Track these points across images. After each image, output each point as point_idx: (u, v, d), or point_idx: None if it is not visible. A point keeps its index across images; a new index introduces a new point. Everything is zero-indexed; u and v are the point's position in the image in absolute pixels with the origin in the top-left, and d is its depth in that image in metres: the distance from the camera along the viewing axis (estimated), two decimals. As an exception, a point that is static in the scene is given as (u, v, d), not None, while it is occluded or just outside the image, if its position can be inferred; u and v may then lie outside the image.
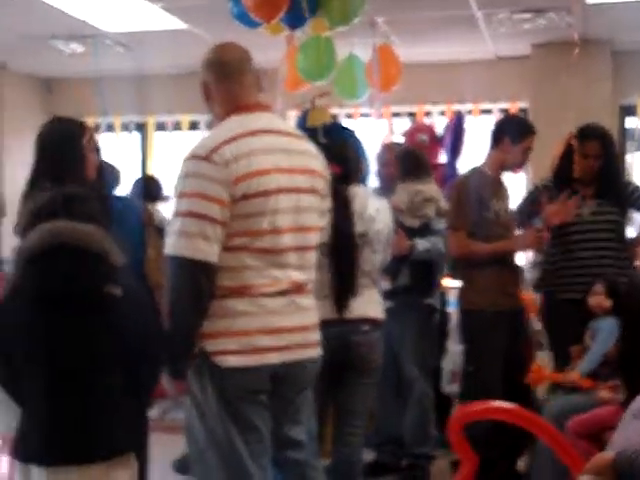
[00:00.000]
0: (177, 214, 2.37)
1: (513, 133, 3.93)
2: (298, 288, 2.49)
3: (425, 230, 4.31)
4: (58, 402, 2.31)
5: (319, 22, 4.77)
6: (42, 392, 2.32)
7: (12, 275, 2.44)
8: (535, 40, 6.23)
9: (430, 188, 4.47)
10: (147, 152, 7.66)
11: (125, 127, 7.59)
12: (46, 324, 2.32)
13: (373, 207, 3.29)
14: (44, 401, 2.32)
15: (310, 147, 2.59)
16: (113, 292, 2.32)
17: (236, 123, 2.47)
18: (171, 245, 2.37)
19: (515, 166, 4.01)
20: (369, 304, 3.25)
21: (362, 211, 3.25)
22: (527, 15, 5.51)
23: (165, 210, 5.42)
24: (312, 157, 2.57)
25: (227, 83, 2.53)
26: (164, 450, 4.16)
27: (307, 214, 2.50)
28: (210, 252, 2.34)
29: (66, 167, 2.94)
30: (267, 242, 2.41)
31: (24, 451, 2.36)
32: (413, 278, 4.26)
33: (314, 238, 2.54)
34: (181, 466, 4.62)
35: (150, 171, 7.41)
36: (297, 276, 2.48)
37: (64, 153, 2.97)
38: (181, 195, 2.38)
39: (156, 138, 7.67)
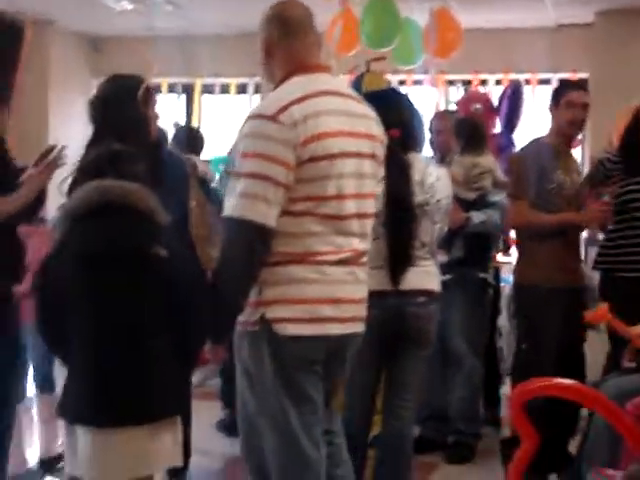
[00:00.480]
0: (239, 174, 2.29)
1: (555, 94, 3.90)
2: (358, 257, 2.43)
3: (481, 202, 4.22)
4: (104, 363, 2.29)
5: (376, -18, 4.63)
6: (88, 352, 2.31)
7: (58, 232, 2.40)
8: (598, 7, 5.99)
9: (487, 160, 4.40)
10: (192, 115, 7.56)
11: (171, 89, 7.50)
12: (92, 282, 2.31)
13: (433, 176, 3.17)
14: (90, 361, 2.30)
15: (369, 111, 2.52)
16: (159, 253, 2.28)
17: (301, 83, 2.39)
18: (231, 206, 2.29)
19: (566, 126, 3.83)
20: (426, 276, 3.16)
21: (422, 180, 3.14)
22: (593, -20, 5.29)
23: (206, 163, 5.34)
24: (372, 121, 2.50)
25: (291, 40, 2.44)
26: (204, 416, 4.15)
27: (368, 180, 2.44)
28: (270, 215, 2.27)
29: (129, 125, 2.89)
30: (332, 208, 2.34)
31: (70, 411, 2.35)
32: (467, 251, 4.18)
33: (372, 205, 2.48)
34: (224, 426, 4.62)
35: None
36: (358, 244, 2.42)
37: (126, 111, 2.92)
38: (244, 155, 2.29)
39: (203, 101, 7.57)
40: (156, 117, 3.10)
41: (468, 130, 4.46)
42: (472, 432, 4.29)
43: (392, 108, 3.15)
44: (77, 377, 2.34)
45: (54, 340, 2.44)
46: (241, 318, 2.36)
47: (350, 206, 2.38)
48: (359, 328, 2.47)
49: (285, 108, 2.28)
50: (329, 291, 2.35)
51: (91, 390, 2.29)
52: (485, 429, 4.48)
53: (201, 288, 2.39)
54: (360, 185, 2.41)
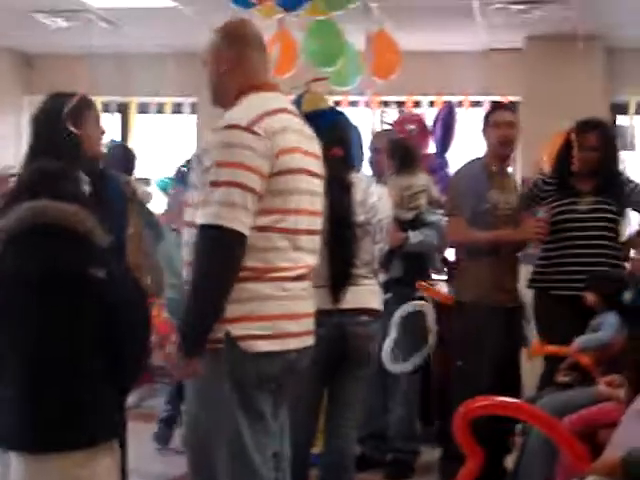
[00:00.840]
0: (216, 184, 2.26)
1: (486, 115, 4.05)
2: (310, 272, 2.46)
3: (418, 222, 4.27)
4: (38, 387, 2.23)
5: (314, 6, 4.67)
6: (22, 376, 2.25)
7: None
8: (529, 33, 6.16)
9: (421, 179, 4.46)
10: (128, 134, 7.49)
11: (106, 107, 7.42)
12: (26, 307, 2.25)
13: (375, 196, 3.21)
14: (23, 386, 2.25)
15: (311, 131, 2.56)
16: (97, 274, 2.25)
17: (264, 99, 2.42)
18: (209, 214, 2.25)
19: (496, 146, 3.94)
20: (368, 294, 3.18)
21: (364, 199, 3.18)
22: (523, 6, 5.44)
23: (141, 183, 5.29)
24: (316, 141, 2.55)
25: (249, 57, 2.47)
26: (141, 438, 4.09)
27: (317, 198, 2.49)
28: (248, 225, 2.28)
29: (64, 143, 2.84)
30: (290, 222, 2.37)
31: (3, 437, 2.29)
32: (405, 270, 4.22)
33: (320, 223, 2.52)
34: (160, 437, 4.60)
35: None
36: (310, 260, 2.46)
37: (61, 128, 2.87)
38: (221, 164, 2.27)
39: (138, 120, 7.51)
40: (96, 135, 3.02)
41: (401, 151, 4.52)
42: (410, 450, 4.33)
43: (334, 128, 3.20)
44: (9, 401, 2.27)
45: None
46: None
47: (303, 222, 2.41)
48: (312, 341, 2.50)
49: (258, 120, 2.31)
50: (289, 307, 2.37)
51: (23, 415, 2.23)
52: (423, 446, 4.52)
53: (139, 310, 2.38)
54: (312, 202, 2.45)
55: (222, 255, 2.25)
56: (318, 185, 2.50)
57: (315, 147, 2.52)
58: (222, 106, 2.49)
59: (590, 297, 3.66)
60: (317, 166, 2.50)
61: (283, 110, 2.42)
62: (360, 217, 3.15)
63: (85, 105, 2.94)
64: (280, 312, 2.35)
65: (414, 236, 4.23)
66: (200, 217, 2.28)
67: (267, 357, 2.33)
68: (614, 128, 6.07)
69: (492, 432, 3.39)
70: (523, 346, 4.09)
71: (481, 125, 4.04)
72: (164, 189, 5.73)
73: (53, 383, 2.23)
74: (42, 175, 2.41)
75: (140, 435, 3.96)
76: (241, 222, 2.25)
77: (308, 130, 2.52)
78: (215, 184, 2.27)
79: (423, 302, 4.15)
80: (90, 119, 2.97)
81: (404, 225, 4.25)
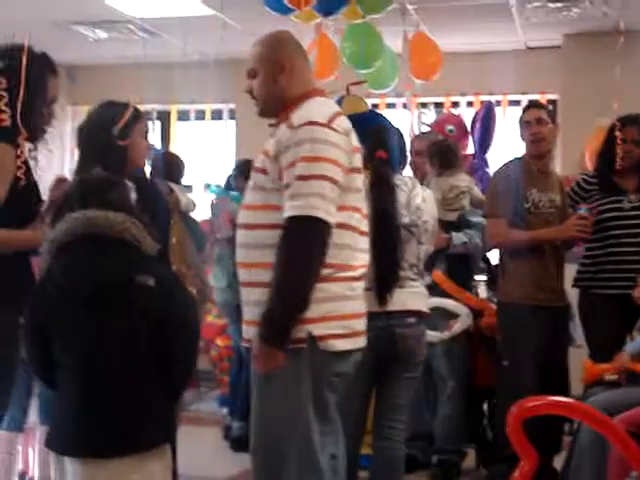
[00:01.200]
0: (307, 177, 2.27)
1: (518, 120, 4.01)
2: (365, 272, 2.49)
3: (461, 223, 4.26)
4: (93, 395, 2.27)
5: (351, 9, 4.69)
6: (76, 383, 2.29)
7: (43, 264, 2.39)
8: (567, 30, 6.12)
9: (462, 180, 4.44)
10: (168, 142, 7.57)
11: (147, 116, 7.49)
12: (78, 317, 2.29)
13: (419, 197, 3.21)
14: (79, 394, 2.29)
15: None
16: (146, 282, 2.27)
17: (325, 102, 2.47)
18: (300, 206, 2.25)
19: (529, 145, 3.93)
20: (415, 296, 3.19)
21: (409, 201, 3.18)
22: (561, 4, 5.40)
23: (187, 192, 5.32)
24: None
25: (301, 64, 2.51)
26: (187, 441, 4.13)
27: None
28: (335, 218, 2.30)
29: (113, 153, 2.88)
30: (357, 221, 2.41)
31: (58, 442, 2.33)
32: (450, 272, 4.21)
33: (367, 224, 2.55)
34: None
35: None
36: (367, 260, 2.49)
37: (109, 138, 2.91)
38: (307, 159, 2.28)
39: (178, 128, 7.59)
40: (142, 146, 3.05)
41: (442, 152, 4.51)
42: (456, 450, 4.32)
43: (377, 130, 3.21)
44: (64, 408, 2.33)
45: (42, 370, 2.42)
46: None
47: (363, 221, 2.46)
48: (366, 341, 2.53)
49: (334, 117, 2.36)
50: (357, 306, 2.42)
51: (79, 422, 2.28)
52: (469, 447, 4.50)
53: (189, 316, 2.40)
54: (364, 202, 2.50)
55: (315, 245, 2.26)
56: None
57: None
58: (273, 114, 2.50)
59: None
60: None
61: (341, 112, 2.45)
62: (405, 219, 3.15)
63: (134, 117, 2.98)
64: (352, 311, 2.40)
65: (458, 238, 4.22)
66: (290, 210, 2.26)
67: (344, 355, 2.37)
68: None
69: (542, 432, 3.38)
70: (570, 345, 4.07)
71: (517, 125, 4.03)
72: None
73: (107, 391, 2.27)
74: (89, 185, 2.43)
75: (186, 438, 4.00)
76: (332, 214, 2.27)
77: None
78: (304, 177, 2.26)
79: (466, 309, 4.14)
80: (138, 131, 3.00)
81: (447, 226, 4.23)
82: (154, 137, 7.46)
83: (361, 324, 2.46)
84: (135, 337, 2.29)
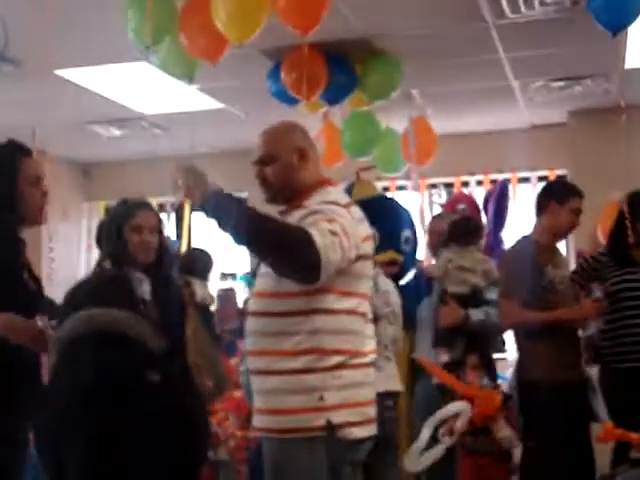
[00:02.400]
0: (332, 231, 2.23)
1: (559, 195, 3.93)
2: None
3: (477, 299, 4.18)
4: None
5: (357, 97, 4.81)
6: None
7: (50, 362, 2.38)
8: (571, 107, 6.20)
9: (468, 257, 4.33)
10: (183, 233, 7.63)
11: (161, 208, 7.60)
12: (79, 417, 2.23)
13: (385, 282, 3.24)
14: None
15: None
16: (150, 378, 2.25)
17: (337, 191, 2.51)
18: (320, 244, 2.19)
19: (565, 230, 3.95)
20: (390, 378, 3.17)
21: (376, 285, 3.22)
22: (563, 83, 5.49)
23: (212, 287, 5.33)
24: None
25: (313, 153, 2.54)
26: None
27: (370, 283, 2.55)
28: (331, 275, 2.26)
29: (118, 250, 2.97)
30: (364, 307, 2.44)
31: None
32: (469, 350, 4.11)
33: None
34: None
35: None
36: (373, 345, 2.50)
37: (115, 236, 3.01)
38: (331, 220, 2.26)
39: (193, 219, 7.66)
40: (147, 241, 3.06)
41: (453, 226, 4.47)
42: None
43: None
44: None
45: (51, 468, 2.35)
46: (290, 425, 2.31)
47: (369, 307, 2.49)
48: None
49: (350, 205, 2.40)
50: (370, 392, 2.43)
51: None
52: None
53: (198, 410, 2.39)
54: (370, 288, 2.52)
55: (291, 265, 2.25)
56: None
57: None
58: (285, 201, 2.51)
59: None
60: (371, 251, 2.54)
61: (352, 203, 2.48)
62: (376, 302, 3.19)
63: (125, 215, 3.05)
64: (366, 398, 2.40)
65: (475, 314, 4.12)
66: (314, 235, 2.21)
67: (360, 443, 2.37)
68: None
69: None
70: (594, 421, 3.99)
71: (549, 201, 3.92)
72: (249, 284, 5.78)
73: None
74: (94, 283, 2.46)
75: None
76: (332, 266, 2.21)
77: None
78: (331, 230, 2.23)
79: (466, 404, 3.93)
80: (148, 226, 3.07)
81: (462, 301, 4.11)
82: (170, 229, 7.55)
83: (374, 411, 2.45)
84: (140, 435, 2.23)
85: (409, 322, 4.14)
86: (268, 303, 2.40)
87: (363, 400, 2.38)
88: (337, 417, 2.29)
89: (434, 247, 4.52)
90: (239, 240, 2.28)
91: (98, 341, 2.27)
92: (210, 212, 2.27)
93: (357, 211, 2.45)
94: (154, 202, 7.36)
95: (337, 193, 2.48)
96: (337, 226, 2.25)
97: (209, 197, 2.26)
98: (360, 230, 2.39)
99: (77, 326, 2.29)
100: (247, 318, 2.49)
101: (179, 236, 7.55)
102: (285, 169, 2.47)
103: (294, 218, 2.36)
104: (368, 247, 2.45)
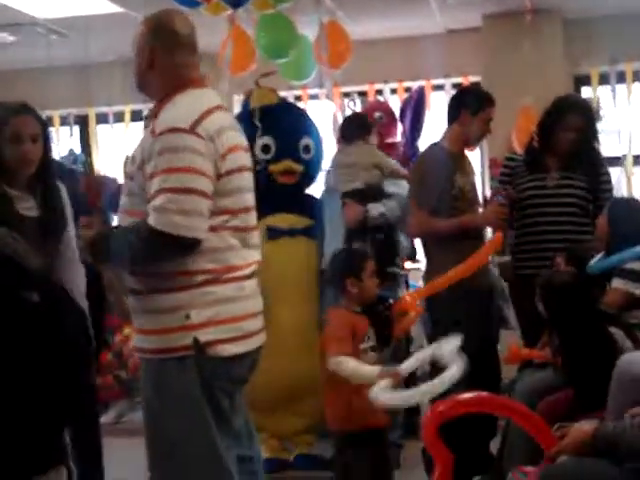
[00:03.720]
0: (168, 190, 2.21)
1: (472, 105, 3.81)
2: (257, 269, 2.45)
3: (375, 193, 4.08)
4: None
5: (262, 0, 4.59)
6: None
7: None
8: (486, 10, 6.07)
9: (356, 152, 4.28)
10: (88, 146, 7.36)
11: (64, 120, 7.29)
12: None
13: None
14: None
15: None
16: (28, 297, 2.23)
17: (197, 97, 2.38)
18: (165, 223, 2.21)
19: (477, 139, 3.88)
20: None
21: None
22: (476, -16, 5.36)
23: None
24: (243, 133, 2.54)
25: (178, 54, 2.39)
26: (122, 454, 4.00)
27: (253, 193, 2.49)
28: (203, 229, 2.26)
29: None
30: (241, 220, 2.37)
31: None
32: (373, 246, 4.03)
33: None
34: None
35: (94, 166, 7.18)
36: (258, 256, 2.45)
37: None
38: (169, 171, 2.22)
39: (98, 131, 7.39)
40: (31, 151, 2.77)
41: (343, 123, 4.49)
42: (393, 442, 4.24)
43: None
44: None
45: None
46: (160, 345, 2.29)
47: (252, 219, 2.43)
48: (265, 338, 2.48)
49: (198, 122, 2.27)
50: (248, 306, 2.37)
51: None
52: (407, 439, 4.44)
53: (80, 329, 2.39)
54: (253, 198, 2.46)
55: (165, 258, 2.26)
56: (251, 180, 2.50)
57: (245, 140, 2.50)
58: (150, 97, 2.45)
59: (559, 260, 3.57)
60: (249, 160, 2.50)
61: (217, 108, 2.37)
62: None
63: (17, 120, 2.78)
64: (243, 312, 2.35)
65: (374, 207, 4.02)
66: (155, 221, 2.21)
67: (237, 359, 2.33)
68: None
69: (475, 419, 3.32)
70: (504, 328, 4.02)
71: (461, 109, 3.79)
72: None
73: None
74: None
75: (120, 450, 3.90)
76: (196, 228, 2.23)
77: (238, 124, 2.51)
78: (166, 190, 2.21)
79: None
80: (23, 135, 2.77)
81: (361, 197, 4.05)
82: (73, 142, 7.27)
83: (255, 324, 2.40)
84: (16, 353, 2.22)
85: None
86: (130, 222, 2.36)
87: (239, 315, 2.33)
88: (205, 335, 2.27)
89: None
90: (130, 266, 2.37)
91: None
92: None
93: (225, 118, 2.38)
94: (56, 114, 7.14)
95: (193, 99, 2.36)
96: (175, 179, 2.22)
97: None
98: (227, 139, 2.32)
99: None
100: None
101: (84, 149, 7.29)
102: (136, 70, 2.44)
103: (143, 143, 2.34)
104: (239, 158, 2.38)
